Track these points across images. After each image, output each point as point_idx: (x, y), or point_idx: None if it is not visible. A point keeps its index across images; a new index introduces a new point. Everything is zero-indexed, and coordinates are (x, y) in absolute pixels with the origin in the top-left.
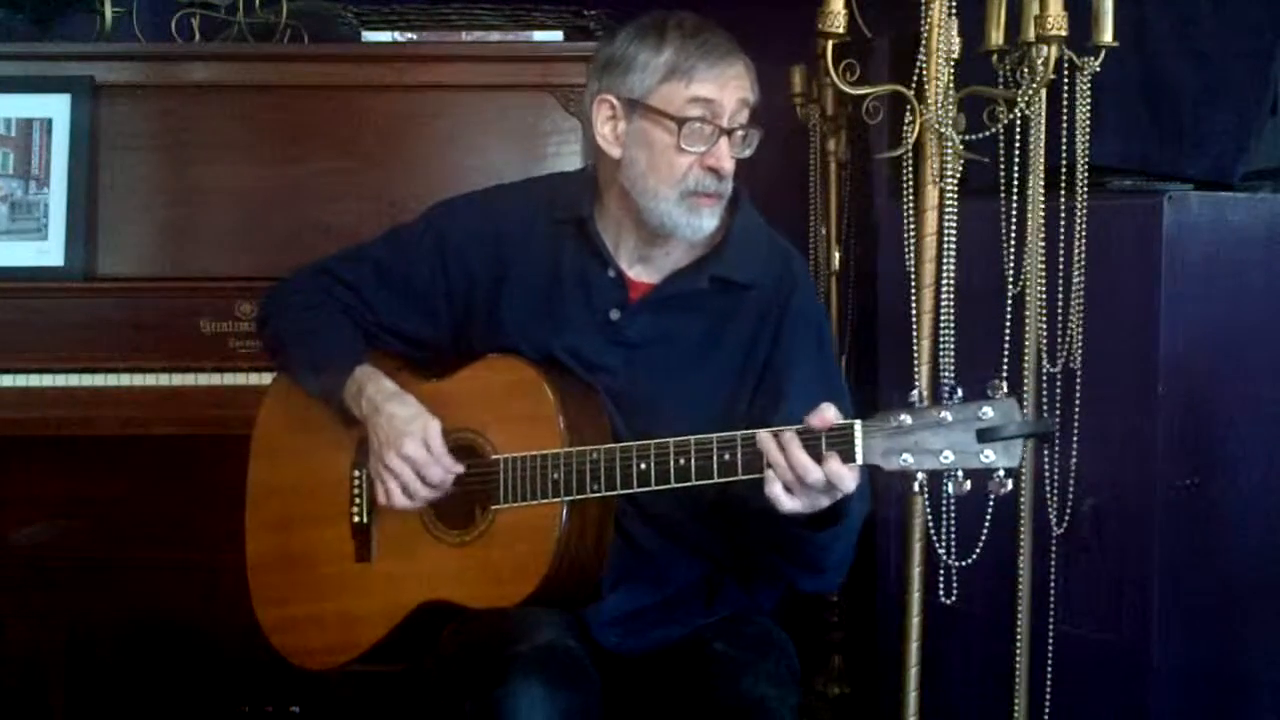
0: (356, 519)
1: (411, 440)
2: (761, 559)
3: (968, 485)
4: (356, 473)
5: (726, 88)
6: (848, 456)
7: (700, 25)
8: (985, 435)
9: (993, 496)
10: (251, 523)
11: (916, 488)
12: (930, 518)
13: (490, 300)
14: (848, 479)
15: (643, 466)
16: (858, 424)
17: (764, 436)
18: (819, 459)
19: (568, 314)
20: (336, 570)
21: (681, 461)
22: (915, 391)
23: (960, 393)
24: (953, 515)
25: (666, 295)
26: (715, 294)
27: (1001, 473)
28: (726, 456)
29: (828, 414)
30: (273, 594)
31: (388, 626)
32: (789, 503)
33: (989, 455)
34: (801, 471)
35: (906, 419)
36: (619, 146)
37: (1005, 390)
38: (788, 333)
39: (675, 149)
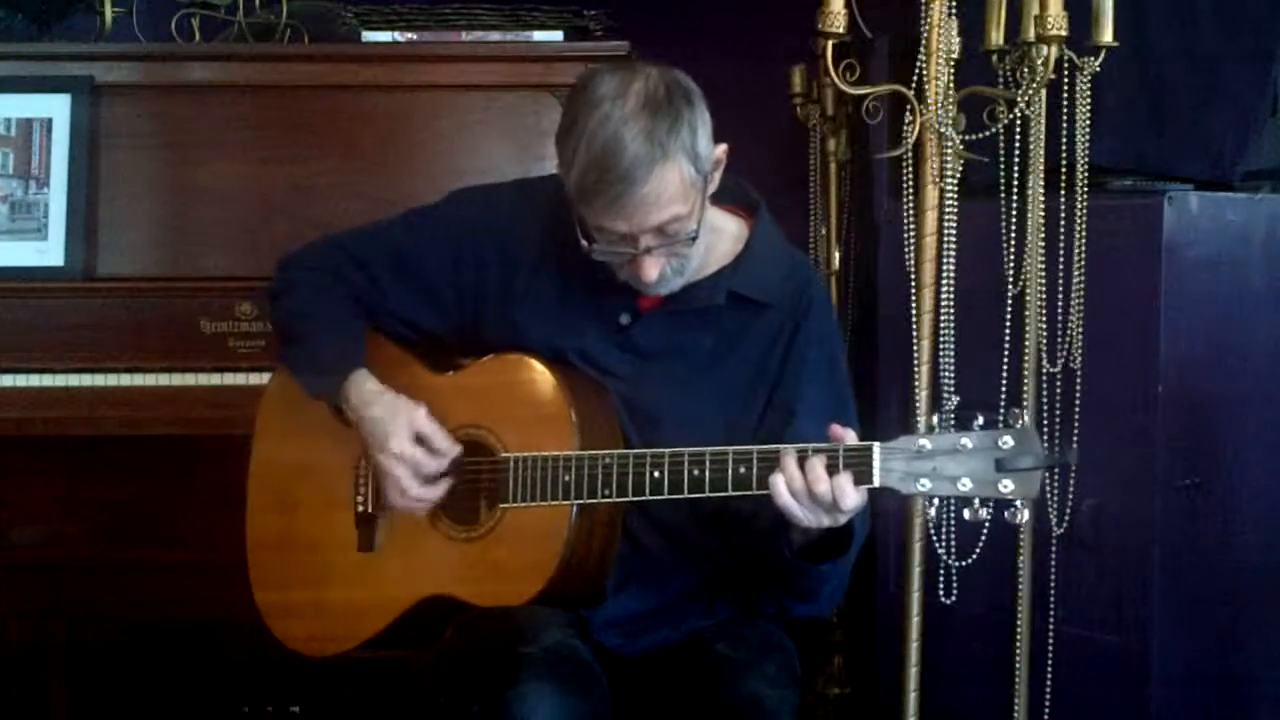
0: (361, 508)
1: (395, 438)
2: (757, 581)
3: (983, 513)
4: (363, 461)
5: (632, 219)
6: (864, 478)
7: (606, 147)
8: (1003, 465)
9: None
10: (254, 503)
11: (933, 513)
12: (930, 518)
13: (503, 294)
14: (851, 497)
15: (656, 475)
16: (876, 445)
17: (789, 452)
18: (831, 474)
19: (579, 315)
20: (339, 559)
21: (696, 472)
22: (936, 416)
23: (981, 420)
24: (953, 515)
25: (681, 308)
26: (731, 310)
27: (1019, 504)
28: (742, 470)
29: (848, 436)
30: (272, 577)
31: (389, 618)
32: (786, 498)
33: (1007, 485)
34: (813, 480)
35: (926, 444)
36: None
37: (1025, 420)
38: (799, 352)
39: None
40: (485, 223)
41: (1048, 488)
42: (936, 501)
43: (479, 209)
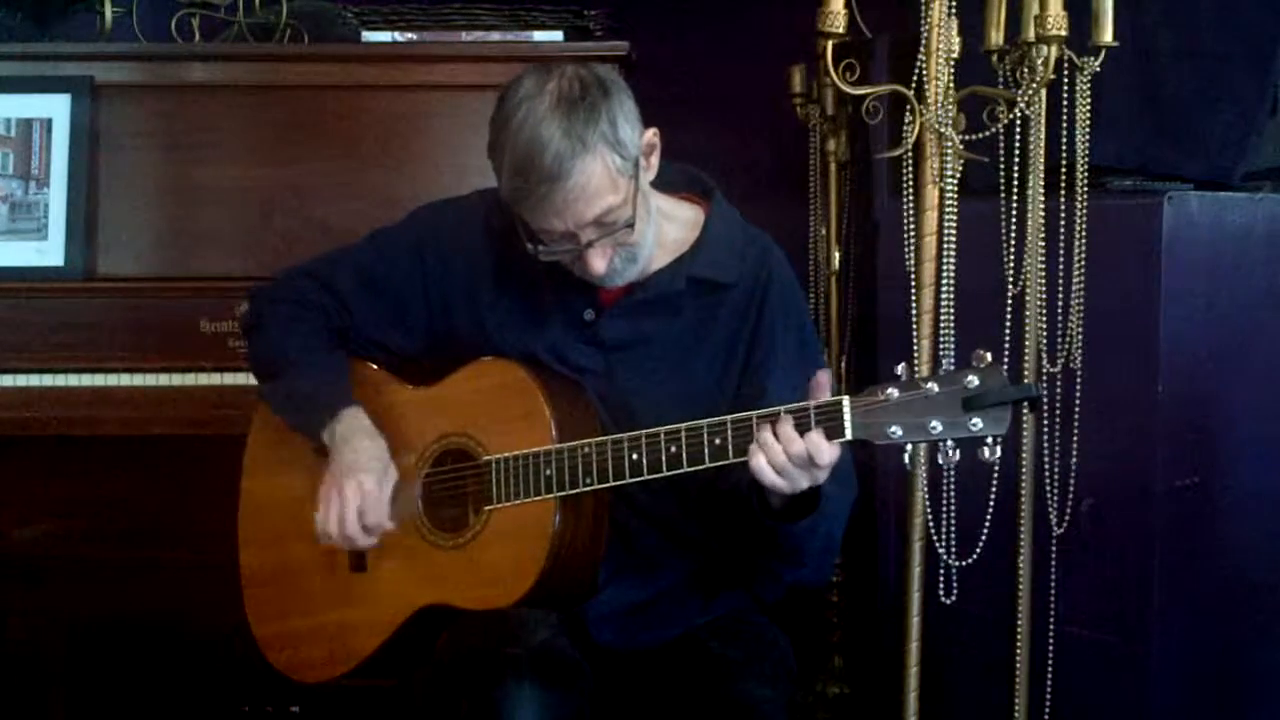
0: None
1: (372, 476)
2: (744, 552)
3: (957, 455)
4: None
5: (565, 216)
6: (837, 432)
7: (528, 148)
8: (971, 403)
9: (995, 483)
10: (245, 538)
11: (907, 460)
12: (930, 518)
13: (471, 302)
14: (826, 452)
15: (634, 457)
16: (845, 399)
17: (758, 419)
18: (803, 433)
19: (546, 315)
20: (332, 581)
21: (673, 449)
22: (901, 365)
23: (944, 364)
24: (953, 515)
25: (643, 298)
26: (693, 295)
27: (990, 440)
28: (718, 441)
29: (823, 382)
30: (269, 609)
31: (386, 633)
32: (771, 475)
33: (976, 423)
34: (785, 443)
35: (893, 392)
36: None
37: (989, 359)
38: (766, 329)
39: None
40: (446, 234)
41: (1047, 488)
42: (910, 448)
43: (439, 221)
